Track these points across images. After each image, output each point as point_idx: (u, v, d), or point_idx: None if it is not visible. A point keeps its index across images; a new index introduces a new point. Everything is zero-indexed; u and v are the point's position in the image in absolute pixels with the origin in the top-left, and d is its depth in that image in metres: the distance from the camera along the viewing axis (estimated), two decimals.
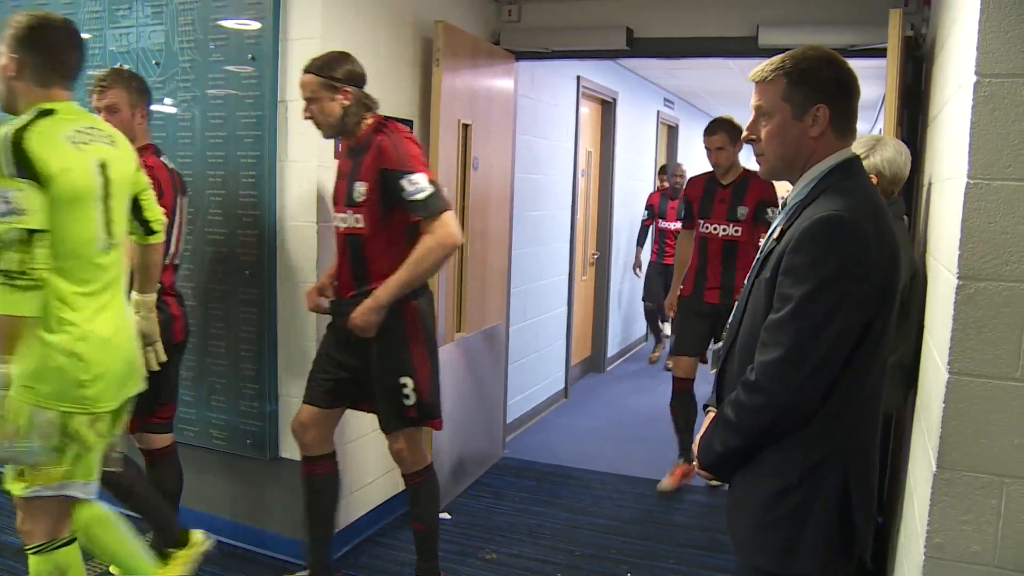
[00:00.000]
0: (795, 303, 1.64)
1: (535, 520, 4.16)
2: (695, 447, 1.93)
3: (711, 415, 1.93)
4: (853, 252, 1.63)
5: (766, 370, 1.68)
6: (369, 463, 3.87)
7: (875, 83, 4.10)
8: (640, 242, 7.65)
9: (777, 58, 1.80)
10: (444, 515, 4.14)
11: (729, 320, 1.93)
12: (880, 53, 3.44)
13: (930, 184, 2.70)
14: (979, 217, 1.71)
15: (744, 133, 1.90)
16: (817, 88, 1.74)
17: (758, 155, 1.87)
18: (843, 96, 1.76)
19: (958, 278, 1.73)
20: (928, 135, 3.09)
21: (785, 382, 1.67)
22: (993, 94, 1.68)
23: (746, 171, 4.35)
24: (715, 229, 4.40)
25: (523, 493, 4.51)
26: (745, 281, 1.88)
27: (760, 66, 1.82)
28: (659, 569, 3.68)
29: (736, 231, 4.35)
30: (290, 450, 3.53)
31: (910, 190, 3.56)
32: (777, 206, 3.85)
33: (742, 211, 4.33)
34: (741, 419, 1.74)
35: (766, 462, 1.77)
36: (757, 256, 1.85)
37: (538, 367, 6.01)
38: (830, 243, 1.63)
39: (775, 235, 1.77)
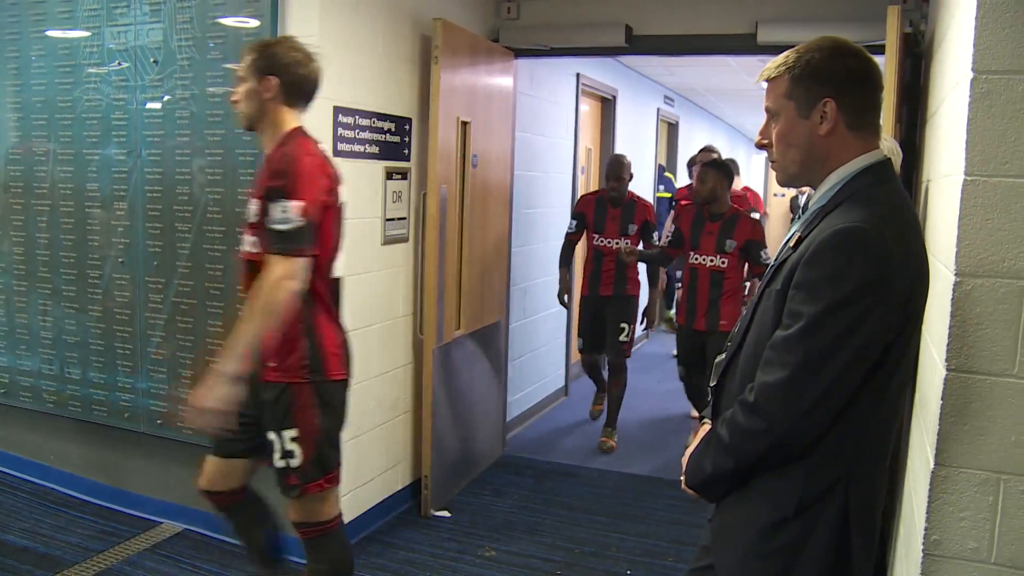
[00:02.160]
0: (806, 321, 1.49)
1: (535, 517, 4.16)
2: (684, 460, 1.79)
3: (704, 428, 1.81)
4: (873, 269, 1.47)
5: (767, 392, 1.53)
6: (368, 460, 3.88)
7: None
8: (566, 262, 5.43)
9: (783, 54, 1.67)
10: (444, 512, 4.15)
11: (735, 328, 1.80)
12: (879, 50, 3.43)
13: (928, 181, 2.70)
14: (976, 214, 1.71)
15: (757, 138, 1.74)
16: (821, 80, 1.58)
17: (771, 161, 1.72)
18: (855, 88, 1.59)
19: (955, 275, 1.73)
20: (927, 132, 3.09)
21: (787, 407, 1.51)
22: (990, 90, 1.68)
23: (285, 139, 2.48)
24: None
25: (523, 490, 4.51)
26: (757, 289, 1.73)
27: (767, 64, 1.69)
28: (658, 566, 3.68)
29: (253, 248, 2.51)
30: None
31: (909, 188, 3.56)
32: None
33: (254, 213, 2.47)
34: (735, 442, 1.59)
35: (760, 489, 1.63)
36: (771, 263, 1.69)
37: (538, 364, 6.01)
38: (848, 258, 1.47)
39: (791, 243, 1.62)
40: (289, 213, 2.31)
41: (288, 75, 2.47)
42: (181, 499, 3.82)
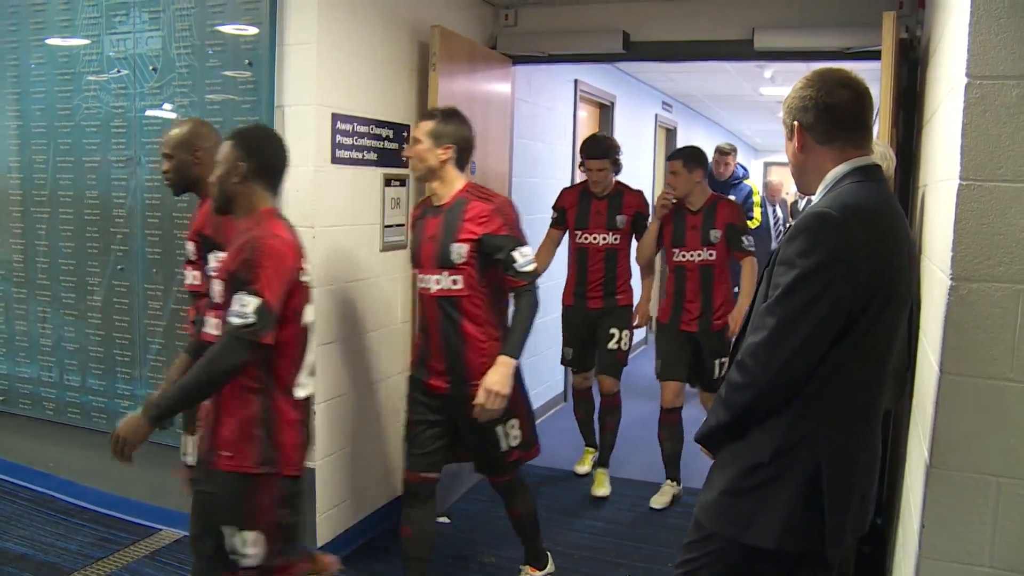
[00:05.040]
0: (781, 290, 1.75)
1: None
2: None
3: None
4: (835, 247, 1.71)
5: (751, 350, 1.81)
6: (367, 467, 3.88)
7: (871, 86, 4.10)
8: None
9: None
10: (443, 519, 4.14)
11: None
12: (875, 56, 3.44)
13: (925, 187, 2.70)
14: (971, 218, 1.72)
15: None
16: (791, 109, 1.91)
17: None
18: (813, 113, 1.86)
19: (951, 279, 1.74)
20: (923, 138, 3.10)
21: (767, 363, 1.77)
22: (984, 96, 1.69)
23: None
24: None
25: None
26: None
27: None
28: (657, 572, 3.67)
29: None
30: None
31: (907, 193, 3.57)
32: None
33: None
34: (728, 396, 1.87)
35: (746, 441, 1.87)
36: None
37: (537, 370, 6.01)
38: (815, 236, 1.72)
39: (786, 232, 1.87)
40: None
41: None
42: (180, 506, 3.81)
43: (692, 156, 4.34)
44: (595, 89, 6.74)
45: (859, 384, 1.81)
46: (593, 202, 4.59)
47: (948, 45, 2.14)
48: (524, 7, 4.69)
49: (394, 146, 3.89)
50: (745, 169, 6.55)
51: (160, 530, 3.85)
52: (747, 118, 12.15)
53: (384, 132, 3.80)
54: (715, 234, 4.26)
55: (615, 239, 4.56)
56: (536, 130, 5.68)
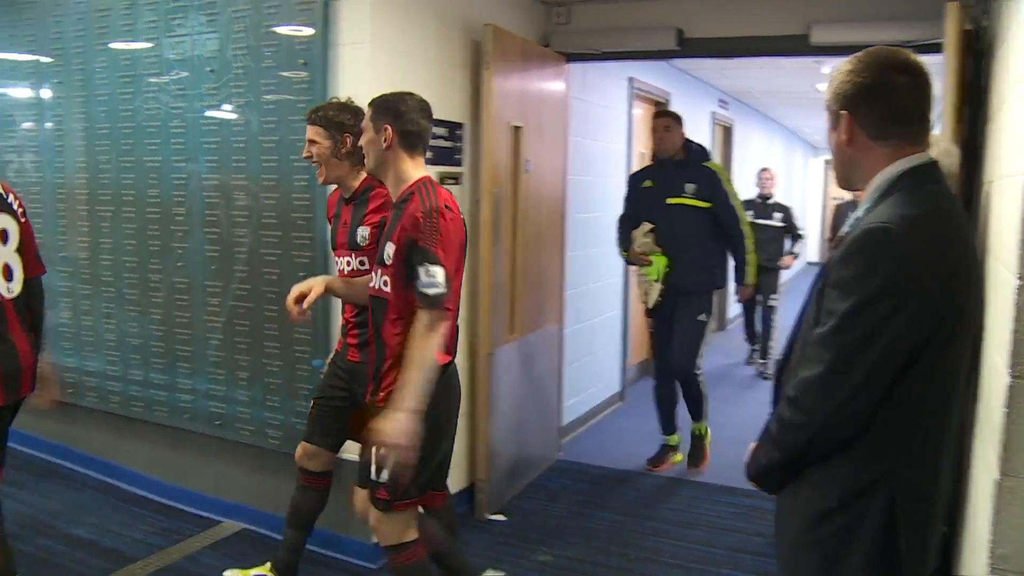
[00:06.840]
0: (838, 318, 1.56)
1: (590, 522, 4.15)
2: (748, 453, 1.86)
3: None
4: (901, 267, 1.53)
5: (805, 387, 1.62)
6: None
7: (936, 80, 4.00)
8: None
9: None
10: (500, 516, 4.15)
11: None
12: (936, 48, 3.35)
13: (990, 183, 2.62)
14: None
15: None
16: (839, 96, 1.71)
17: None
18: (866, 103, 1.67)
19: (1018, 278, 1.68)
20: (988, 133, 3.01)
21: (823, 401, 1.60)
22: None
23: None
24: None
25: (578, 495, 4.50)
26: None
27: None
28: (713, 573, 3.63)
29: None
30: (344, 450, 3.58)
31: (971, 189, 3.47)
32: None
33: None
34: (780, 434, 1.70)
35: (809, 482, 1.70)
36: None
37: (594, 369, 5.99)
38: (875, 256, 1.54)
39: (836, 244, 1.70)
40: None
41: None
42: (240, 498, 3.89)
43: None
44: (650, 86, 6.69)
45: (931, 415, 1.63)
46: (343, 209, 3.12)
47: (1014, 37, 2.07)
48: (577, 5, 4.67)
49: (448, 145, 3.91)
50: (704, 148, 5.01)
51: (221, 522, 3.93)
52: (805, 115, 11.96)
53: (438, 131, 3.82)
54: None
55: (360, 263, 3.02)
56: (591, 128, 5.66)
